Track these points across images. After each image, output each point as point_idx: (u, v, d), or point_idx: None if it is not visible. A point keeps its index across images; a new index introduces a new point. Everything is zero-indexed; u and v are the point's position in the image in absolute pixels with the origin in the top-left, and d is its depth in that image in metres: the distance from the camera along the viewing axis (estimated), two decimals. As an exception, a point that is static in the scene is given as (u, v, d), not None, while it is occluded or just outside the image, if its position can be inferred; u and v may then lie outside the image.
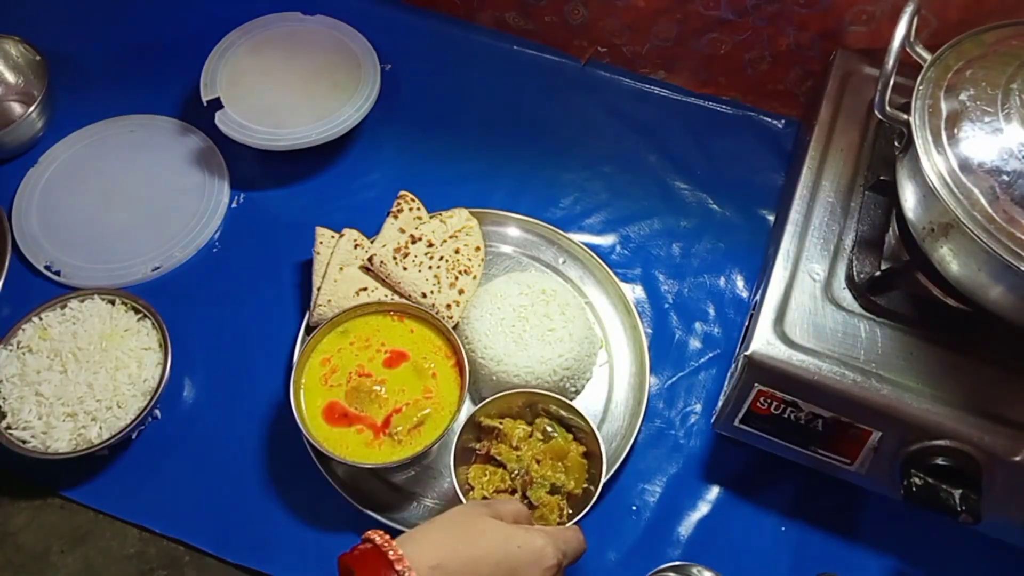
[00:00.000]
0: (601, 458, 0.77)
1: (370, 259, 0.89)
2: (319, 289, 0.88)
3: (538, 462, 0.78)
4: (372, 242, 0.91)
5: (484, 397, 0.81)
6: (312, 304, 0.88)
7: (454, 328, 0.87)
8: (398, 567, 0.56)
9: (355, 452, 0.79)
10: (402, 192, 0.94)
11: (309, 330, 0.87)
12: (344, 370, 0.82)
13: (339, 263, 0.88)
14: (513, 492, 0.77)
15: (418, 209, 0.94)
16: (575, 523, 0.74)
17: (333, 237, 0.91)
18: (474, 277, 0.92)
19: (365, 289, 0.88)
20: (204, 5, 1.13)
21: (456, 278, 0.90)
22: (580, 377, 0.87)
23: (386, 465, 0.78)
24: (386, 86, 1.04)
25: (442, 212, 0.94)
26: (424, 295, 0.89)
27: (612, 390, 0.89)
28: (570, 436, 0.80)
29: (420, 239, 0.91)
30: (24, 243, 0.95)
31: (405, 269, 0.89)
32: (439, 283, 0.89)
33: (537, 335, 0.85)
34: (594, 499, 0.75)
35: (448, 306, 0.89)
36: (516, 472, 0.77)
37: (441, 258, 0.91)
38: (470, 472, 0.78)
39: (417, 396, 0.82)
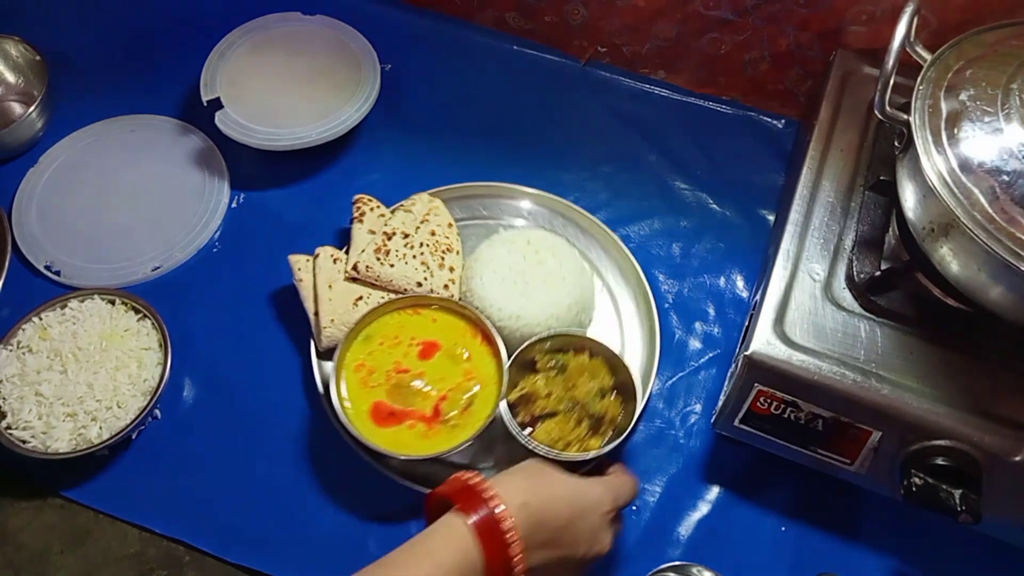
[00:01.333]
0: (605, 347, 0.82)
1: (354, 267, 0.88)
2: (317, 314, 0.86)
3: (572, 388, 0.80)
4: (347, 252, 0.90)
5: (509, 354, 0.83)
6: (316, 331, 0.86)
7: None
8: (492, 504, 0.63)
9: (414, 446, 0.79)
10: (356, 197, 0.93)
11: (321, 356, 0.86)
12: (380, 370, 0.82)
13: (326, 282, 0.87)
14: (580, 422, 0.79)
15: (378, 207, 0.93)
16: (638, 415, 0.81)
17: (308, 260, 0.89)
18: (457, 252, 0.92)
19: (361, 298, 0.88)
20: (204, 5, 1.13)
21: (442, 258, 0.91)
22: (590, 308, 0.91)
23: (451, 451, 0.78)
24: (386, 86, 1.04)
25: (403, 202, 0.94)
26: (419, 283, 0.89)
27: (623, 329, 0.92)
28: (570, 353, 0.83)
29: (394, 234, 0.90)
30: (24, 243, 0.95)
31: (392, 266, 0.89)
32: (428, 268, 0.90)
33: (540, 281, 0.88)
34: (636, 376, 0.81)
35: (445, 286, 0.89)
36: (569, 407, 0.80)
37: (421, 244, 0.91)
38: (538, 436, 0.79)
39: (459, 380, 0.82)
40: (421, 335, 0.85)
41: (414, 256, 0.90)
